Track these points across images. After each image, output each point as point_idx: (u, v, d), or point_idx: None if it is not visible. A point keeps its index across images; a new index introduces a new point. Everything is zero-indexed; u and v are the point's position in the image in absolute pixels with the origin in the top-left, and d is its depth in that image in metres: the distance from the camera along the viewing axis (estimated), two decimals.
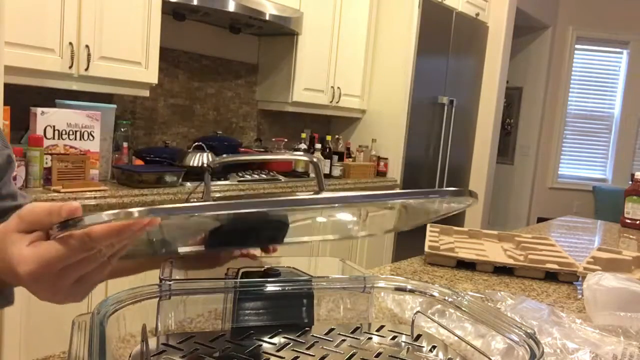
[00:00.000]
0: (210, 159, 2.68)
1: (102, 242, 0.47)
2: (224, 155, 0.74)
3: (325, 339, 0.76)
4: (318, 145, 3.34)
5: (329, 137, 3.58)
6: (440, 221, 2.38)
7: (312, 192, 0.78)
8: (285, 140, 3.35)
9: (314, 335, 0.76)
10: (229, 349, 0.71)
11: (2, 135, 0.85)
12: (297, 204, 0.55)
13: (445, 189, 0.54)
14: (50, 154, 2.14)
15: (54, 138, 2.16)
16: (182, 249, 0.76)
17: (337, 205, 0.53)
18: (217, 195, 2.49)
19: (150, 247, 0.72)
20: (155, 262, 0.78)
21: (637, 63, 6.09)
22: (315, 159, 0.78)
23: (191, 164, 2.62)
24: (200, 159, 2.65)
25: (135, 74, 2.43)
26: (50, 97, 2.39)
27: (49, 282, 0.48)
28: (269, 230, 0.78)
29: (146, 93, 2.55)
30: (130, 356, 0.66)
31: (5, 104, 1.89)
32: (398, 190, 0.57)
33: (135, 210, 0.44)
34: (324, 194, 0.67)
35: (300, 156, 0.83)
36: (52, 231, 0.48)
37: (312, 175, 3.29)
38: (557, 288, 1.32)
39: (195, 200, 0.71)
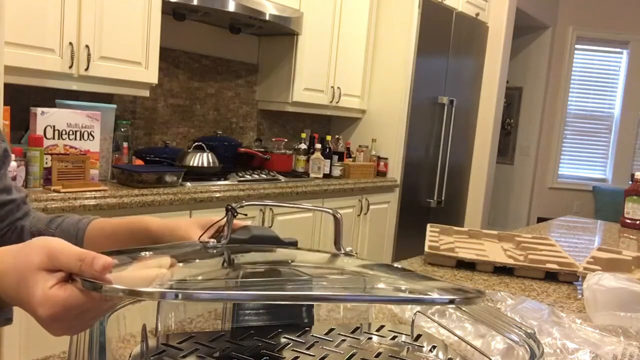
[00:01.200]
0: (211, 160, 2.68)
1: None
2: (245, 201, 0.74)
3: (325, 339, 0.75)
4: (318, 145, 3.34)
5: (329, 137, 3.57)
6: (440, 221, 2.37)
7: (328, 255, 0.77)
8: (285, 140, 3.35)
9: (314, 335, 0.76)
10: (229, 349, 0.70)
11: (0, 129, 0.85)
12: (320, 299, 0.58)
13: (458, 297, 0.56)
14: (50, 154, 2.14)
15: (54, 138, 2.16)
16: None
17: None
18: (217, 195, 2.49)
19: None
20: None
21: (637, 63, 6.09)
22: (338, 215, 0.77)
23: (191, 164, 2.62)
24: (200, 159, 2.65)
25: (135, 74, 2.43)
26: (50, 97, 2.39)
27: (66, 322, 0.49)
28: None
29: (146, 93, 2.55)
30: (130, 356, 0.66)
31: (5, 104, 1.89)
32: (410, 297, 0.60)
33: (144, 291, 0.47)
34: (338, 265, 0.68)
35: (324, 209, 0.81)
36: (77, 279, 0.48)
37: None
38: (557, 288, 1.32)
39: (212, 241, 0.71)
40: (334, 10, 3.42)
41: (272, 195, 2.77)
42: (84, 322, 0.51)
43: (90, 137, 2.26)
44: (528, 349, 0.62)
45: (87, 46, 2.22)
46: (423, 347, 0.77)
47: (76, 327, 0.51)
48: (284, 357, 0.70)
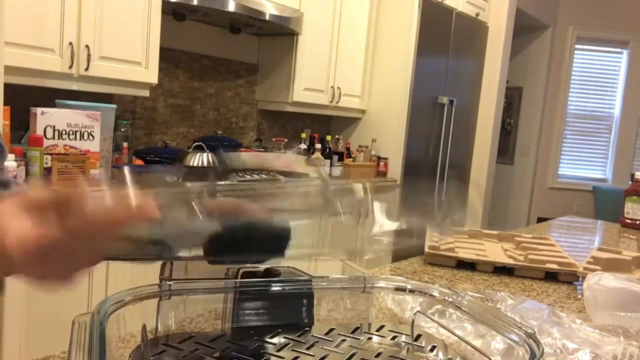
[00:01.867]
0: (211, 160, 2.67)
1: (102, 231, 0.47)
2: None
3: (325, 339, 0.75)
4: (318, 145, 3.34)
5: (329, 137, 3.58)
6: None
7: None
8: (285, 140, 3.35)
9: (314, 335, 0.76)
10: (229, 349, 0.70)
11: None
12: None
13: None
14: (50, 154, 2.14)
15: (54, 138, 2.16)
16: (182, 253, 0.75)
17: None
18: (217, 195, 2.48)
19: (149, 250, 0.71)
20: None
21: (637, 63, 6.09)
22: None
23: (191, 164, 2.62)
24: (200, 159, 2.65)
25: (135, 74, 2.43)
26: (50, 97, 2.39)
27: (40, 264, 0.46)
28: (271, 240, 0.77)
29: (146, 93, 2.55)
30: (130, 356, 0.66)
31: (5, 104, 1.89)
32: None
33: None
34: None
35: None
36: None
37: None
38: (557, 288, 1.32)
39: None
40: (334, 10, 3.42)
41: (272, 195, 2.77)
42: (63, 265, 0.47)
43: (90, 137, 2.26)
44: (528, 349, 0.62)
45: (87, 46, 2.22)
46: (423, 347, 0.77)
47: (52, 272, 0.47)
48: (284, 357, 0.70)
